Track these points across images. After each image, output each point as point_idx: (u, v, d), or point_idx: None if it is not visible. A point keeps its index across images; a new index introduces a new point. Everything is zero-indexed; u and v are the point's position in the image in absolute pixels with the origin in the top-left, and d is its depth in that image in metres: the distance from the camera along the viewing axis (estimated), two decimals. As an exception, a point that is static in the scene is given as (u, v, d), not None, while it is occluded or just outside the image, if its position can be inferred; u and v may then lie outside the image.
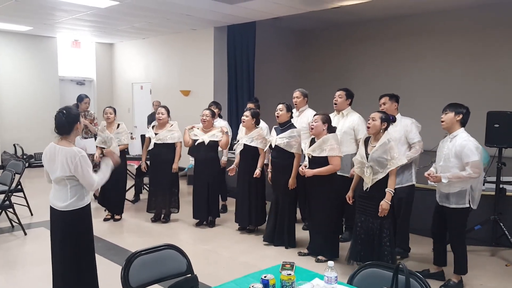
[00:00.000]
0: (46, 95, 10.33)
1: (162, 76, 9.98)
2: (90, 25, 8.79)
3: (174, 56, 9.61)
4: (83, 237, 3.09)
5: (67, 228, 3.01)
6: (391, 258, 3.71)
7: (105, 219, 5.80)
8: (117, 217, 5.85)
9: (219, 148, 5.56)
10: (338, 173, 4.31)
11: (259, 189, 5.19)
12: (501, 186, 4.79)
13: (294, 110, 5.08)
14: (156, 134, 5.57)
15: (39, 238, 5.00)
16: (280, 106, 4.76)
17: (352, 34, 10.05)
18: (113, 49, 11.43)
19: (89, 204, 3.12)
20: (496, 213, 4.68)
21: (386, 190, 3.68)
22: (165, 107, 5.67)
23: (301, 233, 5.02)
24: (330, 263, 2.12)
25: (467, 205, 3.66)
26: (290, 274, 2.08)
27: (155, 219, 5.76)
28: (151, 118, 7.68)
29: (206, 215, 5.55)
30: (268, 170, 5.02)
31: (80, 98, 6.67)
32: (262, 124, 5.45)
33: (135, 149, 7.13)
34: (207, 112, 5.46)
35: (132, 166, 6.95)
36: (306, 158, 4.25)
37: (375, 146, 3.73)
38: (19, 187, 5.62)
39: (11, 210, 5.23)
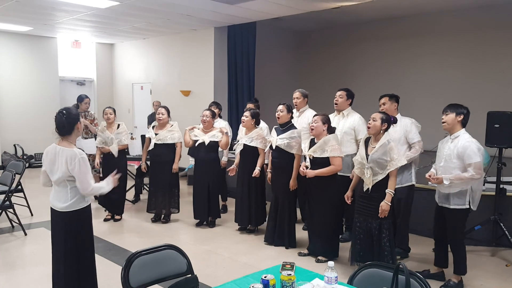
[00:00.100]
0: (46, 96, 10.34)
1: (162, 77, 9.99)
2: (90, 26, 8.79)
3: (174, 57, 9.62)
4: (83, 238, 3.09)
5: (67, 229, 3.02)
6: (391, 258, 3.70)
7: (105, 220, 5.80)
8: (117, 217, 5.85)
9: (219, 149, 5.56)
10: (338, 173, 4.30)
11: (259, 189, 5.19)
12: (501, 186, 4.79)
13: (294, 111, 5.08)
14: (156, 134, 5.57)
15: (39, 239, 5.00)
16: (281, 107, 4.76)
17: (352, 35, 10.05)
18: (114, 50, 11.44)
19: (90, 205, 3.12)
20: (496, 213, 4.68)
21: (386, 191, 3.67)
22: (165, 107, 5.67)
23: (301, 234, 5.02)
24: (330, 263, 2.12)
25: (467, 206, 3.66)
26: (290, 274, 2.08)
27: (155, 219, 5.76)
28: (151, 118, 7.68)
29: (206, 216, 5.55)
30: (267, 170, 5.03)
31: (80, 99, 6.67)
32: (262, 124, 5.45)
33: (135, 149, 7.12)
34: (207, 112, 5.46)
35: (133, 167, 6.96)
36: (307, 159, 4.25)
37: (375, 147, 3.73)
38: (20, 187, 5.62)
39: (11, 210, 5.23)
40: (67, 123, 2.96)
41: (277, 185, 4.80)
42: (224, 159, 6.00)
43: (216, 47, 8.67)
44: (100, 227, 5.44)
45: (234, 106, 8.82)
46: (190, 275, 2.45)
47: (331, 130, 4.24)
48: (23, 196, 5.81)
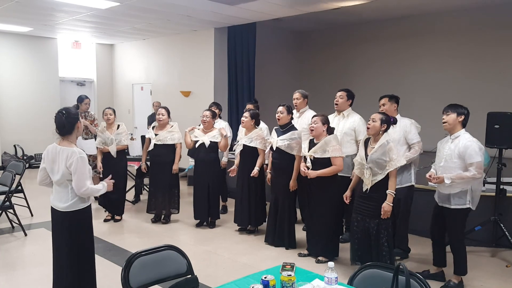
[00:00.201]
0: (46, 96, 10.34)
1: (162, 77, 9.99)
2: (90, 26, 8.80)
3: (175, 57, 9.62)
4: (83, 238, 3.09)
5: (67, 229, 3.02)
6: (389, 258, 3.71)
7: (105, 220, 5.80)
8: (117, 217, 5.85)
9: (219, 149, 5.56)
10: (339, 174, 4.31)
11: (259, 189, 5.19)
12: (501, 187, 4.78)
13: (294, 111, 5.08)
14: (156, 134, 5.58)
15: (40, 239, 5.00)
16: (281, 108, 4.76)
17: (352, 35, 10.06)
18: (114, 50, 11.44)
19: (90, 205, 3.13)
20: (496, 214, 4.68)
21: (387, 192, 3.68)
22: (165, 108, 5.68)
23: (301, 234, 5.02)
24: (330, 264, 2.12)
25: (468, 206, 3.67)
26: (290, 275, 2.08)
27: (155, 220, 5.76)
28: (151, 119, 7.68)
29: (206, 216, 5.55)
30: (267, 171, 5.03)
31: (81, 99, 6.67)
32: (262, 125, 5.45)
33: (135, 149, 7.13)
34: (208, 113, 5.47)
35: (133, 167, 6.95)
36: (308, 160, 4.25)
37: (374, 148, 3.74)
38: (20, 188, 5.61)
39: (11, 210, 5.23)
40: (67, 122, 2.97)
41: (277, 186, 4.80)
42: (224, 160, 6.00)
43: (216, 48, 8.67)
44: (100, 227, 5.44)
45: (234, 106, 8.83)
46: (190, 276, 2.45)
47: (330, 131, 4.25)
48: (23, 197, 5.80)
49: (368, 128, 3.83)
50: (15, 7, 6.97)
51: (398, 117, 4.33)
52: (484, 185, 4.87)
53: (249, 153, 5.15)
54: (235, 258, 4.53)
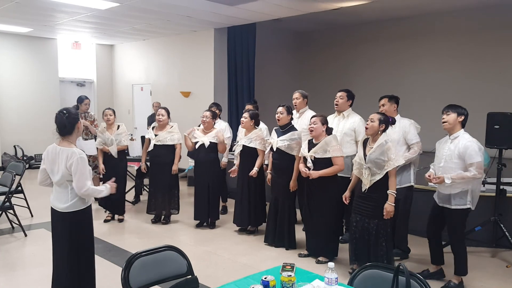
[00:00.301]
0: (46, 97, 10.34)
1: (162, 78, 9.99)
2: (90, 27, 8.80)
3: (174, 58, 9.62)
4: (83, 239, 3.09)
5: (67, 229, 3.02)
6: (386, 258, 3.72)
7: (106, 221, 5.80)
8: (120, 217, 5.85)
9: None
10: (338, 174, 4.31)
11: (258, 189, 5.19)
12: (501, 187, 4.78)
13: (294, 112, 5.08)
14: (156, 135, 5.57)
15: (40, 240, 5.00)
16: (281, 109, 4.76)
17: (352, 36, 10.07)
18: (114, 51, 11.45)
19: (90, 206, 3.13)
20: (497, 214, 4.68)
21: (388, 192, 3.69)
22: (165, 108, 5.67)
23: (301, 235, 5.02)
24: (331, 264, 2.12)
25: (468, 206, 3.67)
26: (290, 276, 2.08)
27: (155, 220, 5.76)
28: (151, 119, 7.68)
29: (206, 217, 5.55)
30: (267, 171, 5.03)
31: (80, 100, 6.67)
32: (262, 125, 5.45)
33: (135, 150, 7.13)
34: (208, 113, 5.47)
35: (132, 167, 6.95)
36: (309, 160, 4.24)
37: (372, 148, 3.75)
38: (20, 188, 5.61)
39: (11, 211, 5.23)
40: (68, 122, 2.97)
41: (277, 186, 4.80)
42: (224, 160, 6.00)
43: (216, 48, 8.68)
44: (100, 228, 5.44)
45: (234, 107, 8.83)
46: (190, 276, 2.45)
47: (329, 131, 4.26)
48: (23, 197, 5.80)
49: (366, 128, 3.84)
50: (15, 7, 6.97)
51: (398, 117, 4.34)
52: (484, 186, 4.87)
53: (249, 154, 5.15)
54: (235, 258, 4.53)
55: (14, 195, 5.54)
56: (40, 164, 3.16)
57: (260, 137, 5.14)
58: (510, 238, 4.54)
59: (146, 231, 5.48)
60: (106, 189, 3.17)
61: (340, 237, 4.69)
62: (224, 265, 4.38)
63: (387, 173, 3.68)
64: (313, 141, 4.28)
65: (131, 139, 7.09)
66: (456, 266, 3.77)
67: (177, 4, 6.63)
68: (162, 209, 5.72)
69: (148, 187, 6.19)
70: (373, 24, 9.49)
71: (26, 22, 8.34)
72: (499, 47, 8.06)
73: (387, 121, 3.81)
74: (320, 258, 4.35)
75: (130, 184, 6.72)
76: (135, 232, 5.46)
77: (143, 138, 6.76)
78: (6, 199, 5.06)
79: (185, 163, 7.13)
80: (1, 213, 5.17)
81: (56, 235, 3.09)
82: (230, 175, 5.54)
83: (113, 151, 5.60)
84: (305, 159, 4.31)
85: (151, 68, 10.26)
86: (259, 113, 5.42)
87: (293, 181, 4.64)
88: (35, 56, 10.21)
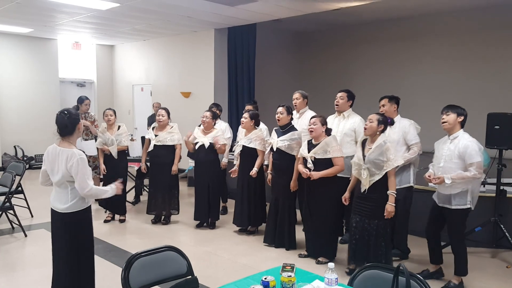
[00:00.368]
0: (46, 97, 10.35)
1: (162, 78, 9.99)
2: (90, 27, 8.80)
3: (175, 58, 9.62)
4: (83, 239, 3.09)
5: (67, 230, 3.02)
6: (384, 258, 3.73)
7: (106, 221, 5.80)
8: (121, 218, 5.84)
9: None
10: (338, 175, 4.31)
11: (258, 190, 5.19)
12: (501, 187, 4.78)
13: (294, 112, 5.08)
14: (156, 135, 5.58)
15: (40, 240, 5.00)
16: (280, 109, 4.76)
17: (352, 36, 10.07)
18: (114, 51, 11.45)
19: (90, 206, 3.13)
20: (497, 215, 4.68)
21: (388, 192, 3.71)
22: (165, 109, 5.68)
23: (301, 235, 5.01)
24: (331, 264, 2.12)
25: (468, 206, 3.68)
26: (290, 276, 2.08)
27: (155, 221, 5.76)
28: (151, 119, 7.68)
29: (206, 217, 5.55)
30: (268, 171, 5.03)
31: (81, 100, 6.67)
32: (262, 125, 5.45)
33: (136, 150, 7.13)
34: (208, 113, 5.47)
35: (133, 168, 6.95)
36: (309, 161, 4.24)
37: (371, 148, 3.75)
38: (20, 188, 5.61)
39: (11, 211, 5.23)
40: (69, 123, 2.98)
41: (277, 186, 4.80)
42: (224, 161, 6.00)
43: (216, 49, 8.68)
44: (100, 228, 5.44)
45: (234, 107, 8.83)
46: (190, 277, 2.45)
47: (328, 132, 4.27)
48: (23, 198, 5.80)
49: (365, 129, 3.85)
50: (15, 8, 6.98)
51: (398, 118, 4.34)
52: (484, 186, 4.87)
53: (249, 154, 5.15)
54: (235, 259, 4.53)
55: (14, 195, 5.54)
56: (40, 164, 3.16)
57: (260, 138, 5.14)
58: (510, 239, 4.54)
59: (146, 231, 5.48)
60: (112, 189, 3.17)
61: (340, 238, 4.68)
62: (224, 265, 4.38)
63: (386, 173, 3.69)
64: (312, 141, 4.28)
65: (131, 140, 7.09)
66: (456, 266, 3.77)
67: (177, 4, 6.63)
68: (162, 210, 5.72)
69: (148, 187, 6.19)
70: (373, 24, 9.49)
71: (27, 23, 8.35)
72: (499, 48, 8.06)
73: (386, 122, 3.82)
74: (320, 259, 4.35)
75: (130, 184, 6.72)
76: (135, 233, 5.46)
77: (143, 138, 6.76)
78: (6, 200, 5.06)
79: (185, 163, 7.13)
80: (1, 213, 5.17)
81: (56, 236, 3.09)
82: (231, 176, 5.54)
83: (113, 151, 5.60)
84: (304, 160, 4.31)
85: (152, 69, 10.27)
86: (259, 114, 5.42)
87: (294, 181, 4.64)
88: (36, 57, 10.21)
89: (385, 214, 3.69)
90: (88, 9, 7.00)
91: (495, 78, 8.09)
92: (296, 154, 4.62)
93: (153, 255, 2.39)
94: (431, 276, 3.92)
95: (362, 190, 3.80)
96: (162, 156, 5.55)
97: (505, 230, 4.59)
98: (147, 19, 7.80)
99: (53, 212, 3.06)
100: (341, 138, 4.55)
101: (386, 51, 9.56)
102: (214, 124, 5.61)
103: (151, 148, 5.59)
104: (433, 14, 8.53)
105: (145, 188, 7.14)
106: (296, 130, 4.76)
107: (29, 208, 5.91)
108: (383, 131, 3.80)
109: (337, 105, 4.73)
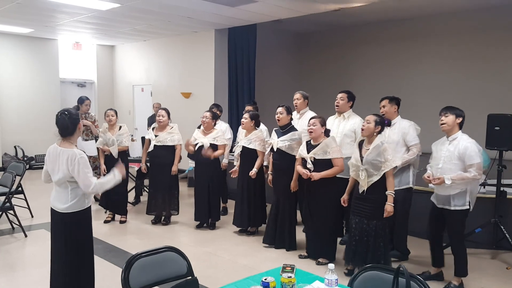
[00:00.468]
0: (47, 97, 10.35)
1: (163, 78, 10.00)
2: (91, 27, 8.81)
3: (175, 58, 9.63)
4: (82, 239, 3.10)
5: (67, 230, 3.02)
6: (383, 258, 3.73)
7: (106, 221, 5.80)
8: (122, 219, 5.83)
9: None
10: (337, 176, 4.31)
11: (258, 191, 5.19)
12: (501, 189, 4.78)
13: (294, 113, 5.08)
14: (156, 136, 5.58)
15: (40, 240, 5.00)
16: (280, 109, 4.76)
17: (353, 37, 10.07)
18: (114, 51, 11.46)
19: (90, 206, 3.13)
20: (497, 216, 4.68)
21: (386, 193, 3.72)
22: (165, 109, 5.68)
23: (302, 236, 5.02)
24: (331, 265, 2.12)
25: (467, 207, 3.68)
26: (290, 277, 2.08)
27: (155, 221, 5.75)
28: (151, 120, 7.69)
29: (206, 217, 5.55)
30: (268, 172, 5.03)
31: (81, 100, 6.67)
32: (262, 126, 5.45)
33: (136, 151, 7.14)
34: (207, 114, 5.47)
35: (133, 168, 6.96)
36: (309, 161, 4.24)
37: (369, 149, 3.76)
38: (20, 189, 5.61)
39: (11, 212, 5.23)
40: (70, 123, 2.99)
41: (278, 187, 4.80)
42: (224, 161, 6.00)
43: (217, 49, 8.68)
44: (101, 228, 5.45)
45: (234, 108, 8.83)
46: (190, 277, 2.45)
47: (327, 133, 4.28)
48: (24, 198, 5.80)
49: (362, 130, 3.86)
50: (16, 8, 6.98)
51: (398, 118, 4.35)
52: (484, 187, 4.88)
53: (249, 155, 5.15)
54: (235, 259, 4.53)
55: (15, 195, 5.54)
56: (40, 165, 3.17)
57: (259, 138, 5.14)
58: (510, 240, 4.53)
59: (146, 232, 5.48)
60: (115, 175, 3.12)
61: (341, 239, 4.68)
62: (224, 266, 4.38)
63: (384, 174, 3.69)
64: (311, 142, 4.28)
65: (132, 140, 7.09)
66: (456, 267, 3.77)
67: (177, 5, 6.63)
68: (162, 210, 5.72)
69: (148, 188, 6.19)
70: (373, 25, 9.49)
71: (27, 23, 8.35)
72: (499, 48, 8.06)
73: (383, 123, 3.84)
74: (320, 260, 4.35)
75: (130, 185, 6.72)
76: (135, 233, 5.46)
77: (143, 138, 6.77)
78: (7, 200, 5.06)
79: (185, 164, 7.13)
80: (2, 213, 5.17)
81: (56, 236, 3.09)
82: (231, 176, 5.54)
83: (114, 151, 5.60)
84: (304, 161, 4.31)
85: (152, 69, 10.27)
86: (259, 114, 5.42)
87: (294, 181, 4.64)
88: (36, 57, 10.21)
89: (384, 214, 3.69)
90: (89, 9, 7.00)
91: (495, 78, 8.09)
92: (296, 154, 4.62)
93: (153, 255, 2.39)
94: (432, 279, 3.91)
95: (361, 191, 3.81)
96: (162, 156, 5.55)
97: (505, 231, 4.58)
98: (148, 20, 7.81)
99: (53, 212, 3.07)
100: (341, 139, 4.56)
101: (386, 51, 9.56)
102: (214, 124, 5.61)
103: (151, 148, 5.60)
104: (433, 14, 8.54)
105: (145, 188, 7.14)
106: (296, 130, 4.76)
107: (29, 208, 5.91)
108: (380, 132, 3.81)
109: (337, 106, 4.73)
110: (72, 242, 3.03)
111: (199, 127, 5.78)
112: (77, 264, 3.07)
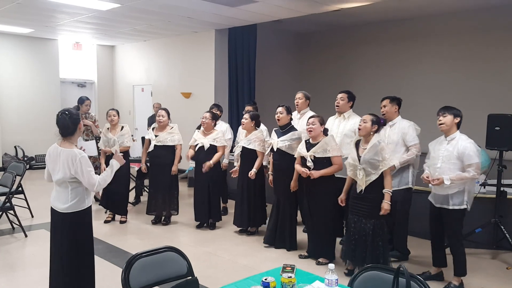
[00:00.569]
0: (47, 97, 10.36)
1: (163, 78, 10.00)
2: (91, 28, 8.81)
3: (175, 58, 9.63)
4: (83, 239, 3.10)
5: (67, 230, 3.03)
6: (382, 258, 3.74)
7: (106, 221, 5.80)
8: (122, 219, 5.83)
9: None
10: (336, 175, 4.31)
11: (258, 191, 5.19)
12: (501, 189, 4.78)
13: (294, 112, 5.08)
14: (156, 136, 5.58)
15: (40, 240, 5.00)
16: (280, 109, 4.76)
17: (353, 37, 10.07)
18: (114, 51, 11.46)
19: (90, 206, 3.14)
20: (497, 216, 4.68)
21: (383, 191, 3.73)
22: (165, 109, 5.68)
23: (302, 236, 5.02)
24: (331, 265, 2.12)
25: (465, 206, 3.69)
26: (290, 277, 2.08)
27: (155, 221, 5.76)
28: (151, 120, 7.69)
29: (206, 218, 5.55)
30: (268, 172, 5.03)
31: (81, 100, 6.68)
32: (262, 126, 5.45)
33: (136, 151, 7.13)
34: (207, 114, 5.47)
35: (133, 168, 6.95)
36: (309, 159, 4.24)
37: (366, 149, 3.77)
38: (20, 189, 5.62)
39: (11, 212, 5.24)
40: (71, 123, 2.99)
41: (278, 187, 4.80)
42: (224, 161, 6.00)
43: (217, 49, 8.68)
44: (101, 228, 5.45)
45: (234, 108, 8.83)
46: (190, 277, 2.45)
47: (325, 132, 4.29)
48: (24, 198, 5.81)
49: (359, 129, 3.87)
50: (16, 8, 6.98)
51: (398, 118, 4.35)
52: (484, 187, 4.88)
53: (249, 155, 5.15)
54: (235, 259, 4.53)
55: (15, 195, 5.55)
56: (40, 165, 3.18)
57: (259, 139, 5.14)
58: (510, 240, 4.53)
59: (146, 232, 5.48)
60: (113, 165, 3.20)
61: (341, 239, 4.68)
62: (225, 266, 4.38)
63: (382, 173, 3.70)
64: (310, 141, 4.29)
65: (132, 140, 7.08)
66: (455, 267, 3.78)
67: (178, 5, 6.64)
68: (162, 210, 5.72)
69: (148, 188, 6.19)
70: (373, 25, 9.49)
71: (27, 23, 8.36)
72: (499, 48, 8.06)
73: (379, 122, 3.86)
74: (321, 260, 4.35)
75: (130, 185, 6.71)
76: (135, 233, 5.46)
77: (143, 139, 6.76)
78: (7, 200, 5.07)
79: (186, 164, 7.12)
80: (2, 213, 5.17)
81: (56, 236, 3.09)
82: (232, 176, 5.54)
83: (115, 152, 5.59)
84: (303, 159, 4.31)
85: (152, 69, 10.27)
86: (259, 114, 5.43)
87: (294, 181, 4.64)
88: (36, 57, 10.22)
89: (381, 212, 3.70)
90: (89, 9, 7.00)
91: (495, 78, 8.09)
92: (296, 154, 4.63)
93: (153, 255, 2.39)
94: (431, 278, 3.91)
95: (358, 191, 3.82)
96: (162, 156, 5.55)
97: (505, 231, 4.58)
98: (148, 20, 7.81)
99: (53, 211, 3.07)
100: (341, 139, 4.56)
101: (386, 51, 9.57)
102: (215, 125, 5.61)
103: (151, 148, 5.60)
104: (433, 14, 8.54)
105: (145, 188, 7.14)
106: (296, 130, 4.77)
107: (29, 208, 5.92)
108: (376, 131, 3.83)
109: (337, 106, 4.73)
110: (72, 242, 3.03)
111: (198, 128, 5.78)
112: (77, 264, 3.07)
